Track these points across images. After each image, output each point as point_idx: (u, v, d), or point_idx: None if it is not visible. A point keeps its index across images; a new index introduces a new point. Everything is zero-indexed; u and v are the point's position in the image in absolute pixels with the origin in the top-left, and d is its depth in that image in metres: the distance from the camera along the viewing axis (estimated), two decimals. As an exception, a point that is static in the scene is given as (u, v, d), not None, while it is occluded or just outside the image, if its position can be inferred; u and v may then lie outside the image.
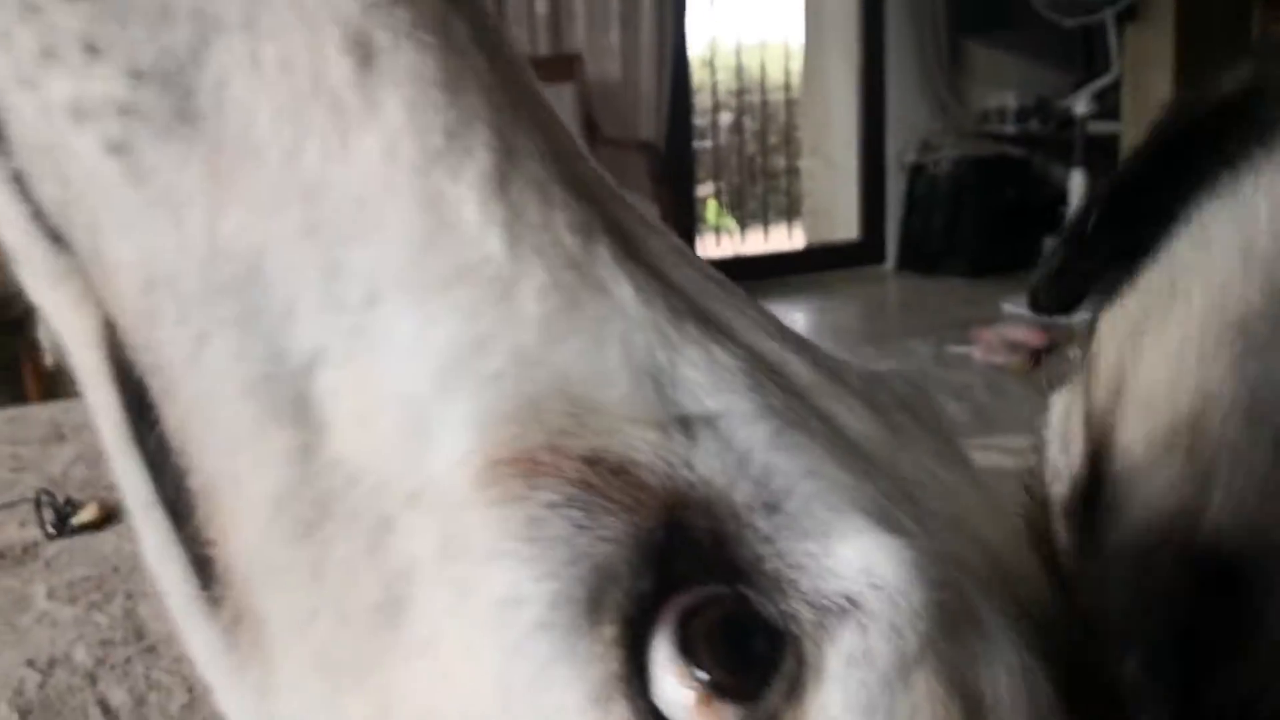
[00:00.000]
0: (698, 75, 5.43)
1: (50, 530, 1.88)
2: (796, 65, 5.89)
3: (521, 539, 0.42)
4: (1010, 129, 5.16)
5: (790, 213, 5.94)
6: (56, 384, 3.47)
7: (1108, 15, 4.21)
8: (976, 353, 3.40)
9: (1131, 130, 4.63)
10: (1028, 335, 3.45)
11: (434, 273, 0.44)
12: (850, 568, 0.41)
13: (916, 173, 5.24)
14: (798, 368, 0.47)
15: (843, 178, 5.45)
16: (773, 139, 6.15)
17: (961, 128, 5.27)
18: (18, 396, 3.32)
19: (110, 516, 1.93)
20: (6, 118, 0.45)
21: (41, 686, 1.47)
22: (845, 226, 5.45)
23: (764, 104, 6.05)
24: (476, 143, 0.44)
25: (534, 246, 0.44)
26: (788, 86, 6.03)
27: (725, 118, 6.06)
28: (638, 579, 0.41)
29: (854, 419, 0.47)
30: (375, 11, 0.43)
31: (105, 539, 1.88)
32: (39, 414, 2.55)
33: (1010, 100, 5.17)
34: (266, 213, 0.44)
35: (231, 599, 0.47)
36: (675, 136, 4.88)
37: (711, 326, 0.46)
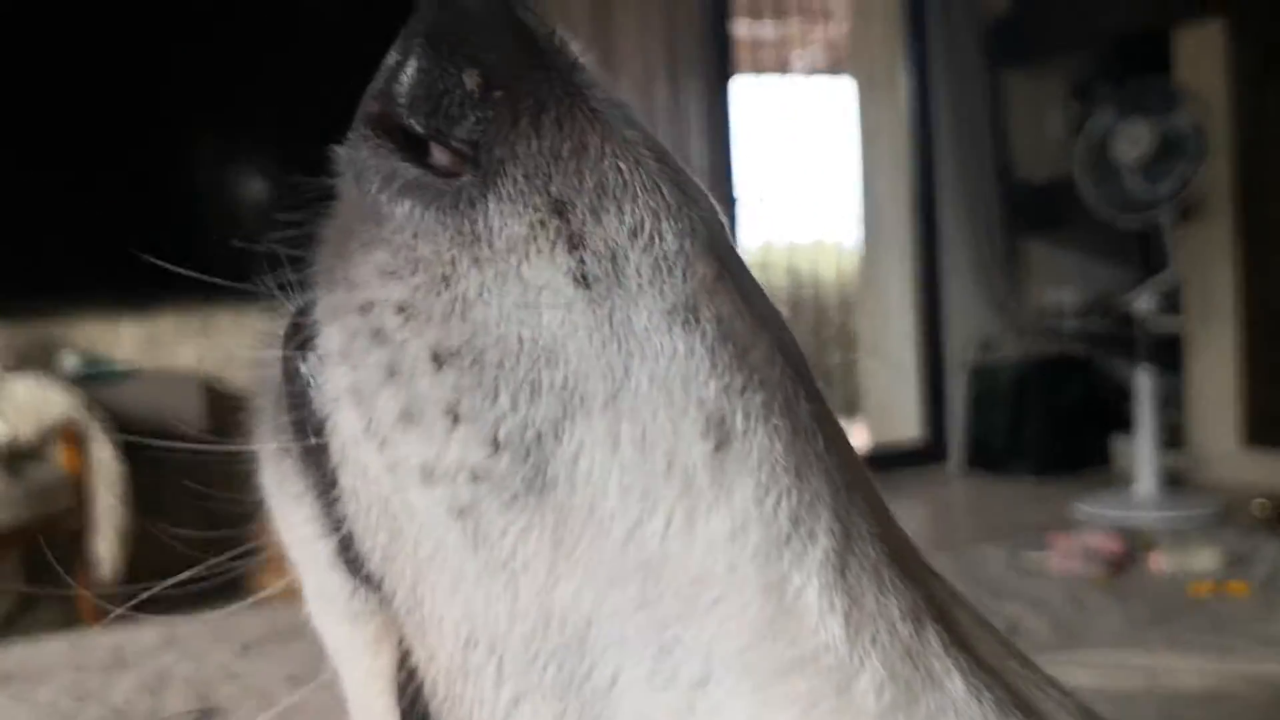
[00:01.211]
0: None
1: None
2: (849, 263, 5.92)
3: None
4: (1071, 327, 5.13)
5: (848, 410, 5.90)
6: (111, 602, 3.43)
7: (1164, 214, 4.20)
8: (1053, 560, 3.29)
9: (1194, 327, 4.60)
10: (1106, 542, 3.35)
11: (772, 659, 0.43)
12: None
13: (977, 372, 5.20)
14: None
15: (902, 377, 5.43)
16: (829, 336, 6.15)
17: (1021, 326, 5.26)
18: (71, 620, 3.26)
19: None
20: (345, 465, 0.45)
21: None
22: (906, 426, 5.40)
23: (817, 302, 6.08)
24: (820, 528, 0.44)
25: (872, 636, 0.43)
26: (843, 285, 6.05)
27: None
28: None
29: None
30: (733, 395, 0.43)
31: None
32: (100, 640, 2.50)
33: (1069, 298, 5.16)
34: (604, 584, 0.44)
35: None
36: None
37: (1026, 710, 0.44)
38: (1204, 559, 3.26)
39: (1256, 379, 4.56)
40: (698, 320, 0.43)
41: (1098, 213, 4.33)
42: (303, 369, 0.46)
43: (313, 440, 0.46)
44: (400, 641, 0.47)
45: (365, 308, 0.44)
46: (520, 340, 0.43)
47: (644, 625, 0.44)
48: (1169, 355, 4.51)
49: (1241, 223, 4.52)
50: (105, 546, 3.45)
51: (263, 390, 0.49)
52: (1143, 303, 4.31)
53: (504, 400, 0.43)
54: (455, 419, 0.43)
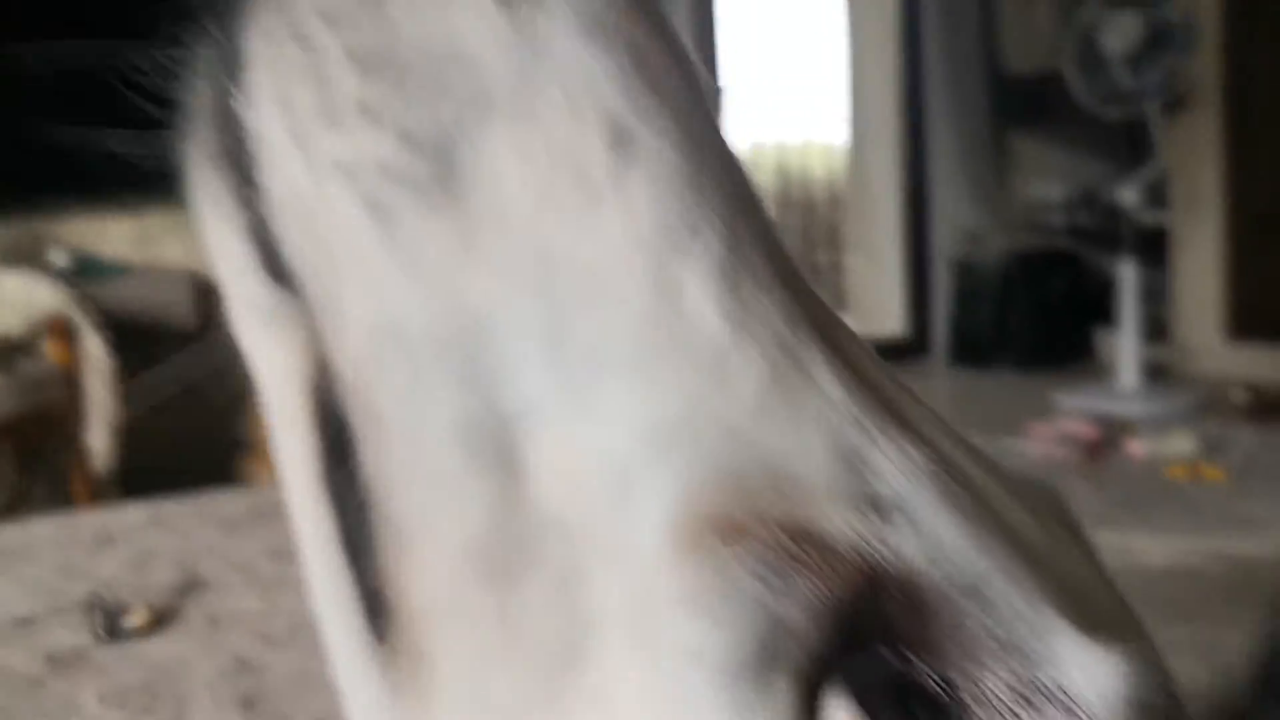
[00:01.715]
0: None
1: (101, 634, 1.86)
2: (839, 163, 5.92)
3: (717, 596, 0.43)
4: (1056, 220, 5.14)
5: (834, 305, 5.92)
6: (104, 492, 3.49)
7: (1152, 106, 4.20)
8: (1031, 448, 3.34)
9: (1179, 220, 4.61)
10: (1083, 429, 3.40)
11: (657, 345, 0.46)
12: (1082, 682, 0.42)
13: (962, 266, 5.22)
14: (974, 470, 0.48)
15: (888, 272, 5.45)
16: (818, 236, 6.16)
17: (1007, 220, 5.26)
18: (66, 504, 3.33)
19: (159, 621, 1.91)
20: (269, 169, 0.49)
21: (91, 794, 1.44)
22: (891, 320, 5.43)
23: (806, 201, 6.08)
24: (709, 228, 0.47)
25: (752, 331, 0.46)
26: (831, 185, 6.05)
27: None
28: (822, 641, 0.42)
29: (1022, 524, 0.48)
30: (638, 107, 0.46)
31: (155, 645, 1.85)
32: (88, 520, 2.54)
33: (1055, 191, 5.17)
34: (505, 278, 0.47)
35: (398, 636, 0.49)
36: (720, 234, 4.87)
37: (903, 424, 0.47)
38: (1181, 444, 3.31)
39: (1240, 272, 4.59)
40: (611, 36, 0.46)
41: (1085, 106, 4.33)
42: (229, 82, 0.49)
43: (237, 149, 0.49)
44: (315, 340, 0.50)
45: (288, 14, 0.48)
46: (435, 44, 0.46)
47: (540, 313, 0.47)
48: (1154, 248, 4.52)
49: (1228, 116, 4.52)
50: (97, 439, 3.50)
51: (193, 111, 0.52)
52: (1128, 196, 4.32)
53: (416, 100, 0.46)
54: (370, 116, 0.46)
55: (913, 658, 0.43)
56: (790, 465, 0.45)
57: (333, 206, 0.48)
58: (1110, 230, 4.54)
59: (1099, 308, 4.75)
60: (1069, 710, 0.41)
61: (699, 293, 0.46)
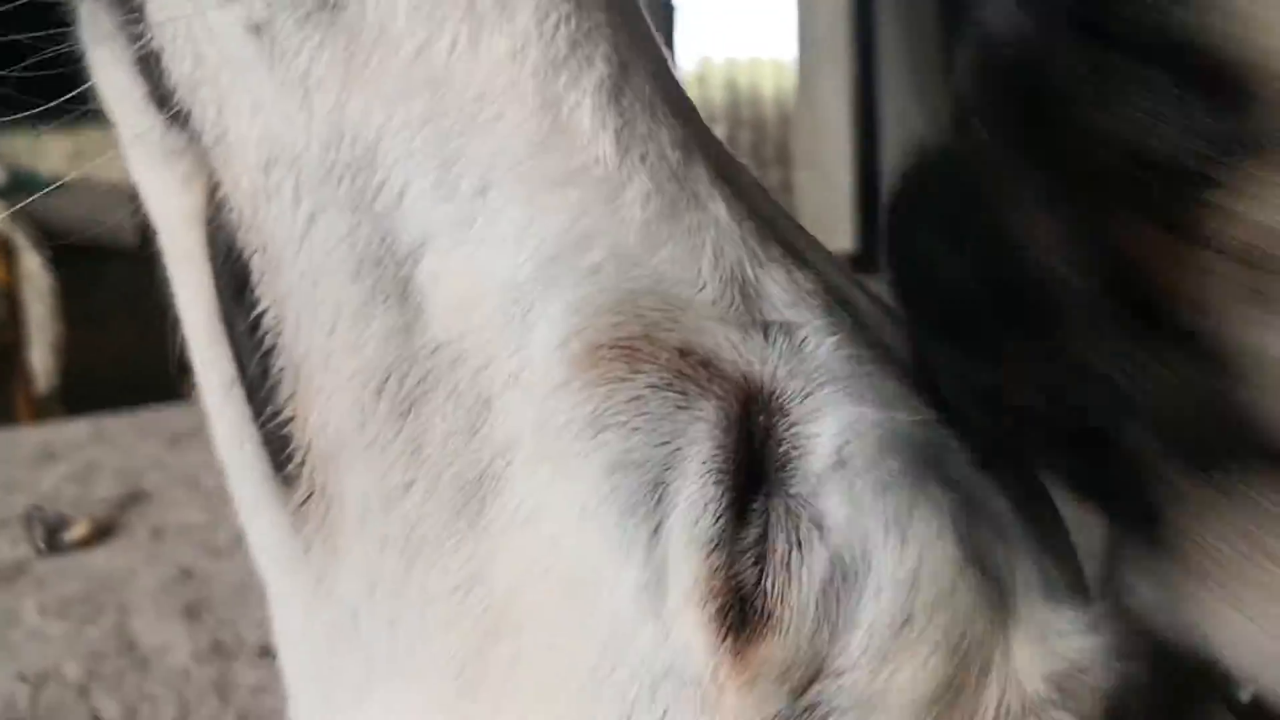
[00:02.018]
0: (689, 92, 5.42)
1: (41, 546, 1.86)
2: (788, 80, 5.89)
3: (629, 413, 0.45)
4: (1004, 137, 5.15)
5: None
6: (47, 410, 3.45)
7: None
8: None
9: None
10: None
11: (546, 170, 0.47)
12: (827, 447, 0.45)
13: (911, 183, 5.22)
14: (857, 297, 0.52)
15: (837, 189, 5.44)
16: (768, 153, 6.14)
17: (955, 137, 5.26)
18: (9, 421, 3.29)
19: (102, 533, 1.91)
20: (153, 2, 0.48)
21: (33, 700, 1.44)
22: (841, 238, 5.44)
23: (755, 119, 6.05)
24: (597, 55, 0.48)
25: (641, 155, 0.48)
26: (780, 101, 6.02)
27: (718, 132, 6.05)
28: (727, 458, 0.44)
29: (900, 346, 0.51)
30: None
31: (96, 556, 1.85)
32: (30, 435, 2.52)
33: (1004, 108, 5.16)
34: (393, 101, 0.47)
35: (306, 477, 0.50)
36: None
37: (791, 251, 0.50)
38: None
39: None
40: None
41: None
42: None
43: None
44: (209, 176, 0.50)
45: None
46: None
47: (430, 140, 0.47)
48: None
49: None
50: (39, 358, 3.46)
51: None
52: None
53: None
54: None
55: (786, 472, 0.45)
56: (681, 289, 0.47)
57: (216, 30, 0.47)
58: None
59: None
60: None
61: (588, 117, 0.47)
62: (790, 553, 0.43)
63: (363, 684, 0.49)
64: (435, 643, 0.46)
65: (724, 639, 0.43)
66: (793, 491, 0.44)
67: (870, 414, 0.45)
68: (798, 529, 0.44)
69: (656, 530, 0.44)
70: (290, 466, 0.49)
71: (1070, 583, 0.48)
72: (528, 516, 0.45)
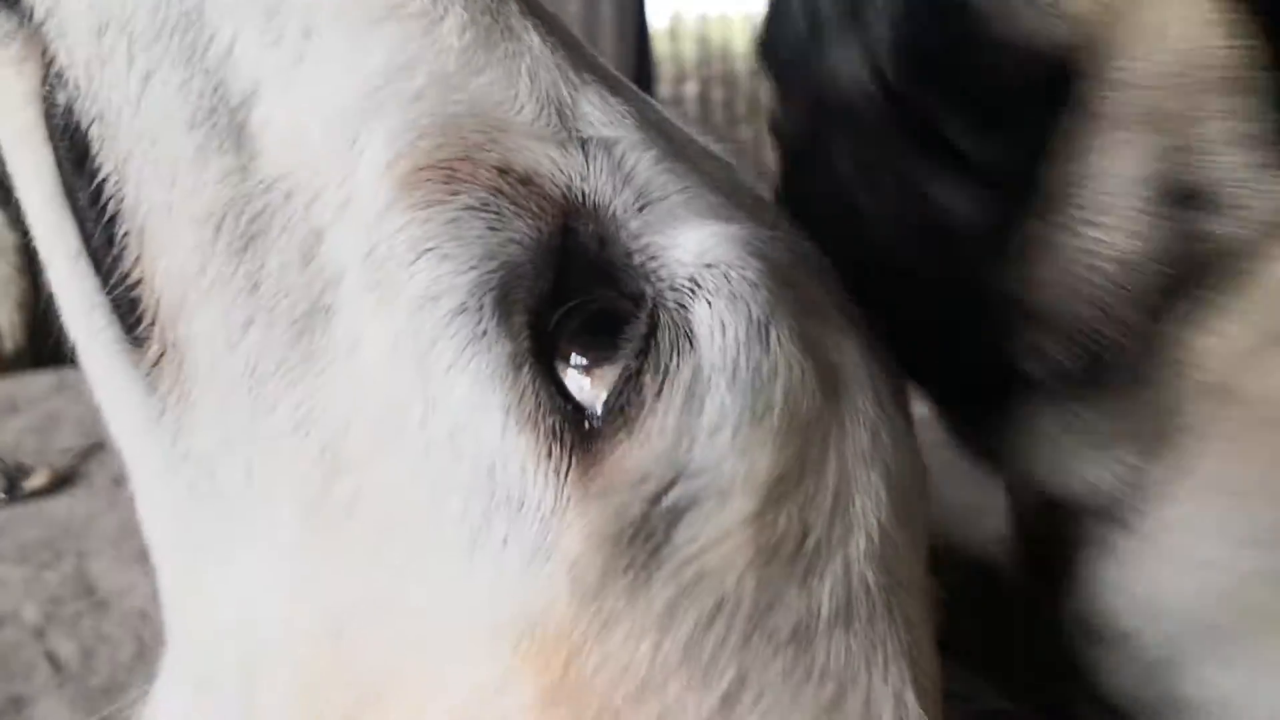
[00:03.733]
0: (660, 47, 5.41)
1: (1, 495, 1.85)
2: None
3: (443, 238, 0.47)
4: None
5: (757, 181, 5.92)
6: (16, 368, 3.43)
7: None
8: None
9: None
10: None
11: (367, 9, 0.50)
12: (690, 254, 0.47)
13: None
14: (673, 126, 0.55)
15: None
16: (740, 109, 6.13)
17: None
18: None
19: (62, 482, 1.90)
20: None
21: (-12, 642, 1.44)
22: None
23: (726, 75, 6.03)
24: None
25: None
26: (753, 56, 6.00)
27: (690, 89, 6.04)
28: (539, 278, 0.47)
29: (712, 169, 0.54)
30: None
31: (57, 504, 1.85)
32: (-7, 387, 2.51)
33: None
34: None
35: (157, 336, 0.52)
36: (639, 107, 4.84)
37: (607, 79, 0.52)
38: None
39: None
40: None
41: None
42: None
43: None
44: (43, 54, 0.52)
45: None
46: None
47: None
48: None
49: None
50: (4, 317, 3.44)
51: None
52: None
53: None
54: None
55: (613, 283, 0.48)
56: (500, 111, 0.49)
57: None
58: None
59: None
60: (703, 298, 0.46)
61: None
62: (653, 359, 0.45)
63: (226, 543, 0.50)
64: (283, 487, 0.47)
65: (564, 456, 0.44)
66: (653, 296, 0.47)
67: (718, 225, 0.48)
68: (661, 335, 0.46)
69: (476, 354, 0.45)
70: (140, 328, 0.51)
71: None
72: (353, 347, 0.47)
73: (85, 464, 1.99)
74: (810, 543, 0.46)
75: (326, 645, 0.47)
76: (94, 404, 1.94)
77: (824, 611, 0.45)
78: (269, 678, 0.49)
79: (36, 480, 1.89)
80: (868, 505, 0.48)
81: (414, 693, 0.45)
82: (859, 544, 0.47)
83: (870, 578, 0.47)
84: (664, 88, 5.52)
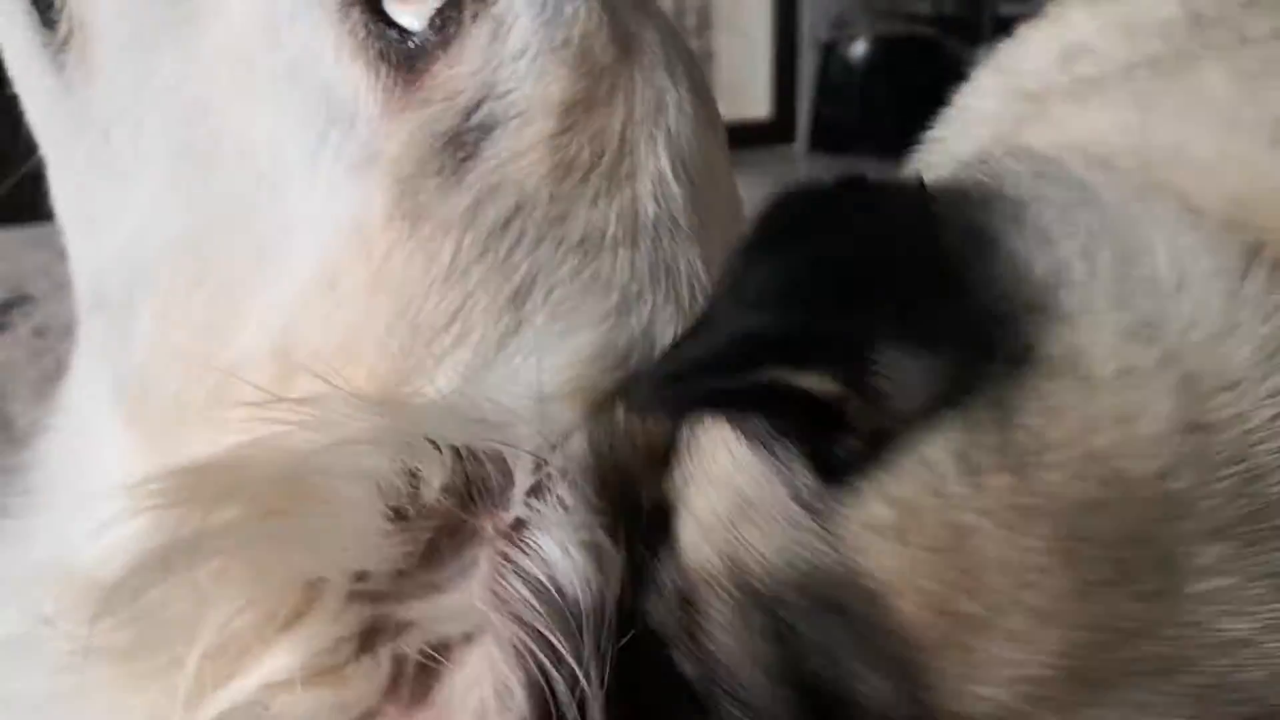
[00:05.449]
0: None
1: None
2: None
3: None
4: (924, 8, 5.14)
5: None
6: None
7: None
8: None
9: (1039, 7, 4.63)
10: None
11: None
12: None
13: (829, 51, 5.21)
14: None
15: (756, 55, 5.41)
16: (689, 21, 6.08)
17: (874, 6, 5.24)
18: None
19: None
20: None
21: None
22: (758, 105, 5.43)
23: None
24: None
25: None
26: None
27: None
28: None
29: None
30: None
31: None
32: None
33: (923, -21, 5.15)
34: None
35: (65, 16, 0.55)
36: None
37: None
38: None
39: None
40: None
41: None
42: None
43: None
44: None
45: None
46: None
47: None
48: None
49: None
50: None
51: None
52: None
53: None
54: None
55: None
56: None
57: None
58: (974, 19, 4.56)
59: (960, 98, 4.79)
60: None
61: None
62: None
63: (118, 194, 0.57)
64: (162, 137, 0.51)
65: (389, 73, 0.51)
66: None
67: None
68: None
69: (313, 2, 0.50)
70: (52, 11, 0.55)
71: None
72: (219, 6, 0.51)
73: (8, 315, 1.98)
74: (600, 170, 0.53)
75: (190, 260, 0.54)
76: (20, 261, 1.93)
77: (610, 230, 0.52)
78: (145, 291, 0.56)
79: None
80: (652, 153, 0.55)
81: (263, 294, 0.52)
82: (645, 185, 0.54)
83: (652, 214, 0.55)
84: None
